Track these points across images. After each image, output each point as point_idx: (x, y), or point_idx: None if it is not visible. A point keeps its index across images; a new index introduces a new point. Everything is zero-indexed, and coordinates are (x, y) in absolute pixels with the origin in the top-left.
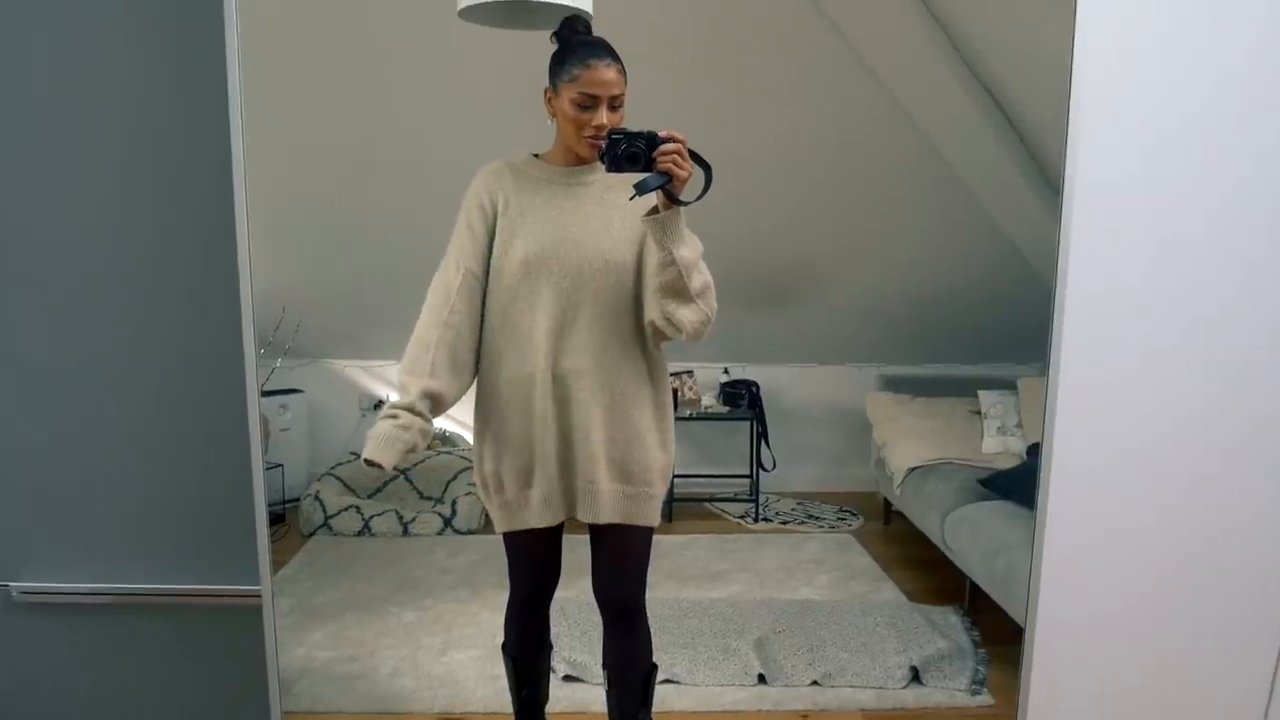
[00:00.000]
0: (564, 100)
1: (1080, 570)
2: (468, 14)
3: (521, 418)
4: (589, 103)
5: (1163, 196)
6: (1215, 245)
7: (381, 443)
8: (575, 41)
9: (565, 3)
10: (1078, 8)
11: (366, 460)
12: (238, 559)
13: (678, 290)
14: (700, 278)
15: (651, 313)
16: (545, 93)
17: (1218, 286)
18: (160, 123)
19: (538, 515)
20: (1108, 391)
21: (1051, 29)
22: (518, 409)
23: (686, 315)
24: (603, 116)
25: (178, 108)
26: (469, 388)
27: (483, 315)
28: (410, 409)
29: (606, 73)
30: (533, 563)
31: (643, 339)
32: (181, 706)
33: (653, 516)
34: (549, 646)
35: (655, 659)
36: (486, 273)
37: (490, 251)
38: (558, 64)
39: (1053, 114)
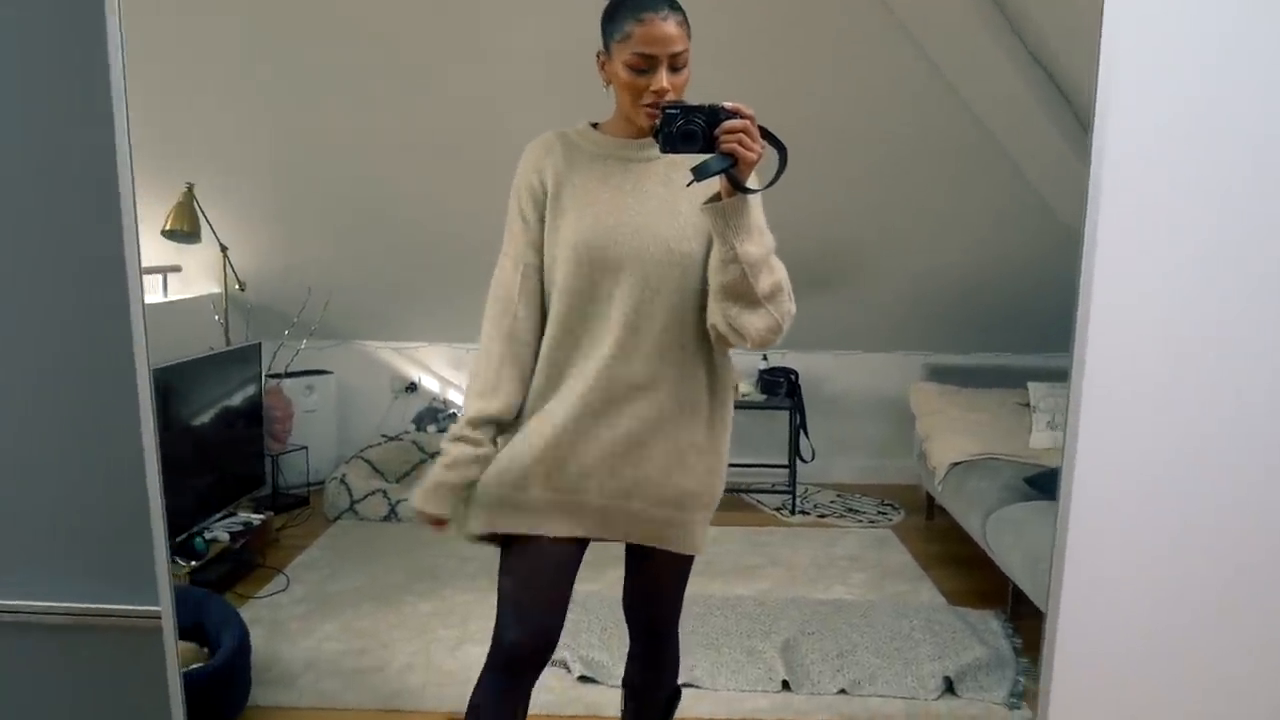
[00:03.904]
0: (617, 63)
1: (1107, 575)
2: None
3: (559, 417)
4: (645, 64)
5: (1197, 183)
6: (1257, 233)
7: (430, 491)
8: None
9: None
10: None
11: (417, 512)
12: (142, 577)
13: (741, 292)
14: (770, 278)
15: (713, 316)
16: (598, 56)
17: (1258, 278)
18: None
19: (553, 521)
20: (1137, 388)
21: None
22: (558, 407)
23: (752, 321)
24: (663, 79)
25: (61, 105)
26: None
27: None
28: (463, 439)
29: (664, 26)
30: (535, 592)
31: (709, 345)
32: None
33: (693, 544)
34: None
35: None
36: (544, 260)
37: (543, 239)
38: (608, 20)
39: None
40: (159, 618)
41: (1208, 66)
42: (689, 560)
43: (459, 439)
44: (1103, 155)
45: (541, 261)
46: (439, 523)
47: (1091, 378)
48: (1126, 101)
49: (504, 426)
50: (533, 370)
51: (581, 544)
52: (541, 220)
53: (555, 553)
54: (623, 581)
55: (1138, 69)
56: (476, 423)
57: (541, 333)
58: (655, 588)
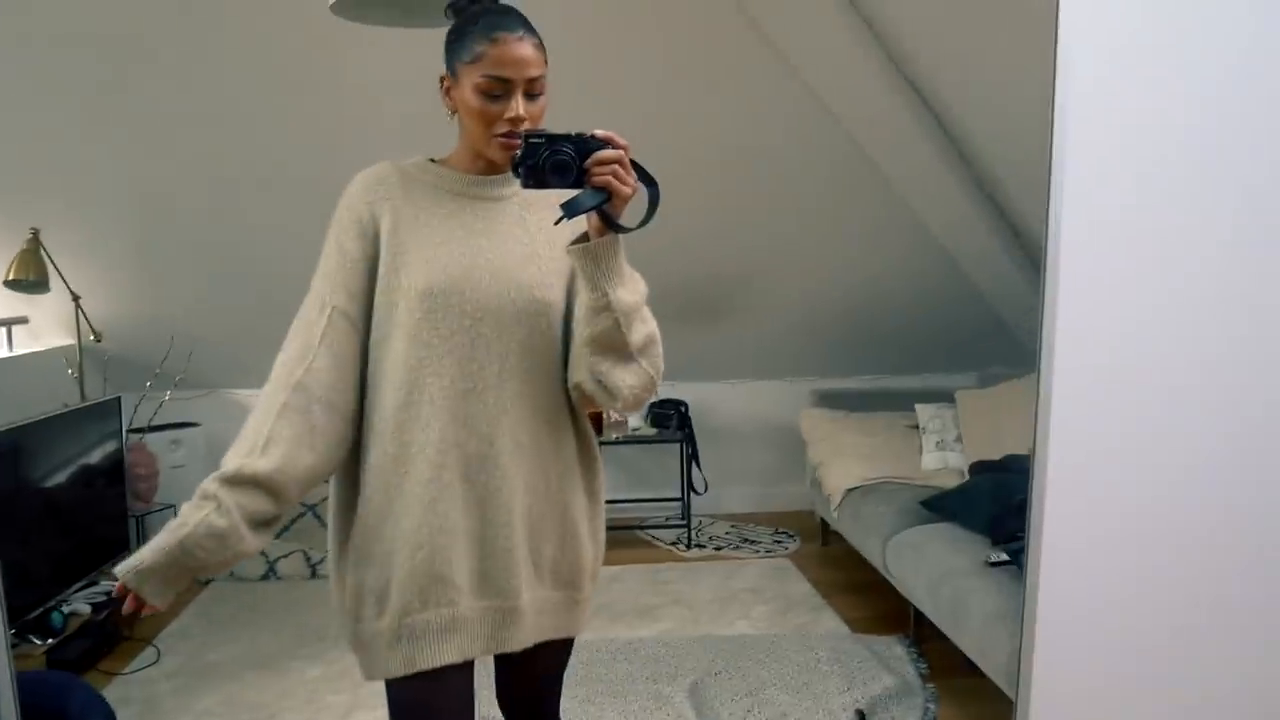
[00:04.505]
0: (465, 88)
1: (1074, 632)
2: (341, 9)
3: (413, 511)
4: (498, 89)
5: (1154, 194)
6: (1219, 247)
7: (152, 568)
8: (476, 11)
9: None
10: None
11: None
12: None
13: (613, 344)
14: (643, 328)
15: (578, 373)
16: (442, 80)
17: (1223, 294)
18: None
19: (445, 648)
20: (1101, 414)
21: (970, 15)
22: (408, 499)
23: (624, 378)
24: (518, 106)
25: None
26: (330, 467)
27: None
28: (210, 498)
29: (520, 48)
30: None
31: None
32: None
33: (580, 625)
34: None
35: (582, 709)
36: (365, 310)
37: (371, 282)
38: (456, 39)
39: (978, 103)
40: None
41: (1159, 73)
42: (571, 642)
43: (205, 497)
44: (1063, 165)
45: (357, 309)
46: (140, 605)
47: (1056, 397)
48: (1081, 114)
49: (267, 493)
50: (326, 434)
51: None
52: (367, 260)
53: (450, 678)
54: (495, 675)
55: (1092, 78)
56: (234, 480)
57: (354, 392)
58: (539, 684)
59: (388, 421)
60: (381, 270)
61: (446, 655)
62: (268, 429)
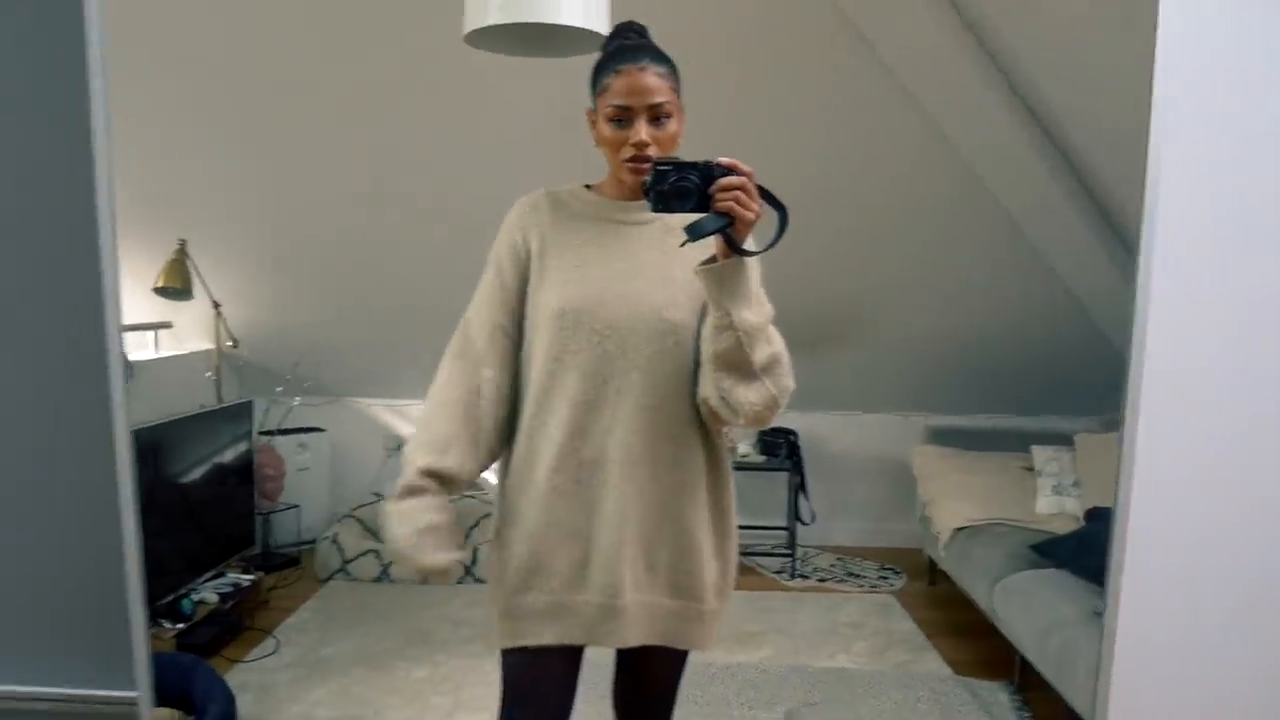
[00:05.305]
0: (599, 117)
1: (1159, 667)
2: (475, 39)
3: (534, 507)
4: (623, 116)
5: (1250, 241)
6: None
7: (408, 556)
8: (613, 47)
9: (579, 25)
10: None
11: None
12: (120, 658)
13: (736, 362)
14: (767, 349)
15: (705, 389)
16: (588, 115)
17: None
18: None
19: (545, 630)
20: (1192, 455)
21: (1095, 38)
22: (531, 496)
23: (746, 395)
24: (641, 132)
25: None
26: (488, 466)
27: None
28: (417, 490)
29: (641, 77)
30: (540, 696)
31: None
32: None
33: (703, 639)
34: None
35: None
36: (520, 326)
37: (523, 301)
38: (592, 76)
39: (1105, 136)
40: (135, 704)
41: (1264, 107)
42: (685, 655)
43: (413, 491)
44: (1154, 220)
45: (514, 325)
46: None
47: (1143, 449)
48: (1175, 167)
49: (443, 485)
50: (492, 439)
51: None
52: (521, 281)
53: (554, 657)
54: (614, 674)
55: (1186, 137)
56: (430, 473)
57: (506, 405)
58: (652, 686)
59: (524, 427)
60: (529, 291)
61: (545, 637)
62: (449, 432)
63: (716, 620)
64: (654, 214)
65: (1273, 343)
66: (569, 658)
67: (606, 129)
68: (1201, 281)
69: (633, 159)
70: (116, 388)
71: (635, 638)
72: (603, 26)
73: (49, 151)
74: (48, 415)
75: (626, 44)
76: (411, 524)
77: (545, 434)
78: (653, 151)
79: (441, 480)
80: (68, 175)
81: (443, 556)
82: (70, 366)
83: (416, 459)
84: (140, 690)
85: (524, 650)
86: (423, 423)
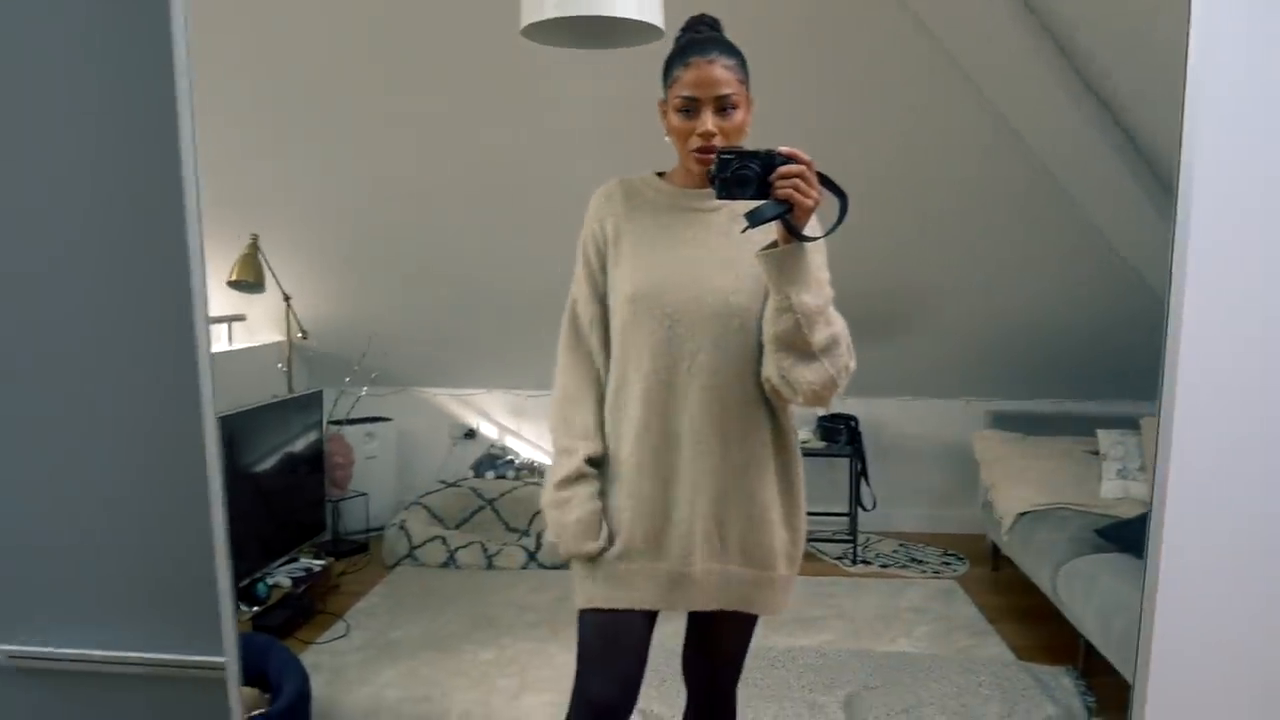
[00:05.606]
0: (669, 108)
1: (1200, 640)
2: (531, 33)
3: (616, 479)
4: (691, 106)
5: None
6: None
7: (579, 542)
8: (684, 40)
9: (636, 17)
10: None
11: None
12: (205, 626)
13: (795, 343)
14: (826, 330)
15: (768, 368)
16: (659, 105)
17: None
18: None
19: (619, 595)
20: (1232, 435)
21: (1167, 27)
22: (615, 469)
23: (804, 375)
24: (707, 122)
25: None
26: None
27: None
28: (585, 477)
29: (709, 70)
30: (620, 654)
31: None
32: None
33: (774, 604)
34: None
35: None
36: (607, 310)
37: (607, 287)
38: (665, 68)
39: (1170, 123)
40: (223, 669)
41: None
42: (755, 620)
43: (580, 477)
44: (1189, 205)
45: (604, 311)
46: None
47: (1180, 427)
48: (1212, 150)
49: (594, 466)
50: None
51: None
52: (604, 270)
53: (639, 618)
54: (684, 635)
55: (1221, 119)
56: (590, 460)
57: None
58: (721, 651)
59: (609, 404)
60: (609, 276)
61: (619, 601)
62: (591, 419)
63: (789, 586)
64: (720, 201)
65: None
66: (643, 624)
67: (675, 119)
68: (1237, 258)
69: (700, 149)
70: (205, 383)
71: (708, 602)
72: (657, 19)
73: (140, 153)
74: (142, 407)
75: (697, 37)
76: (579, 510)
77: (625, 413)
78: (719, 141)
79: (595, 465)
80: (158, 176)
81: (602, 542)
82: (160, 359)
83: (578, 448)
84: (227, 656)
85: (599, 612)
86: (561, 414)
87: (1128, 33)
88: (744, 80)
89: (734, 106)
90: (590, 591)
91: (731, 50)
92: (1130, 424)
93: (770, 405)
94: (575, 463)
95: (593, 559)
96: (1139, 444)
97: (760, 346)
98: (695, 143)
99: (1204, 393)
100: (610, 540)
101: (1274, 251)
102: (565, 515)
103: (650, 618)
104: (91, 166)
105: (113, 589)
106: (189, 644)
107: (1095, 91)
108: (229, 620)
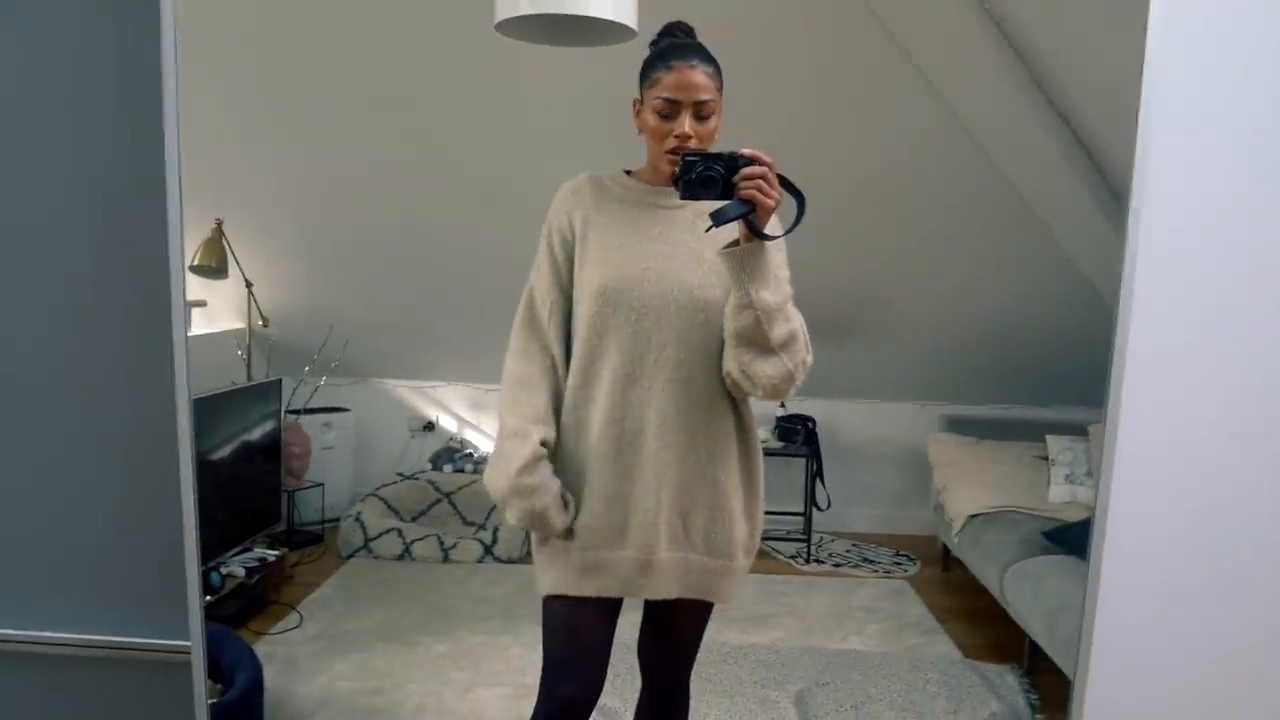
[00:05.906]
0: (646, 109)
1: (1139, 638)
2: (505, 28)
3: (579, 471)
4: (670, 110)
5: (1244, 221)
6: None
7: (553, 519)
8: (665, 44)
9: (610, 18)
10: (1149, 26)
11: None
12: (168, 610)
13: (754, 338)
14: (785, 326)
15: (728, 362)
16: (633, 104)
17: None
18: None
19: (585, 583)
20: (1175, 442)
21: (1124, 46)
22: (577, 462)
23: (763, 369)
24: (685, 125)
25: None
26: None
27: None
28: (541, 461)
29: (690, 74)
30: (585, 648)
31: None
32: None
33: (730, 593)
34: None
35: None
36: (570, 301)
37: (571, 280)
38: (644, 69)
39: (1127, 130)
40: (188, 653)
41: (1244, 119)
42: (711, 608)
43: (539, 461)
44: (1139, 212)
45: (567, 304)
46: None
47: (1125, 434)
48: (1164, 162)
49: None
50: (556, 407)
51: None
52: (568, 261)
53: (604, 607)
54: (640, 624)
55: (1177, 128)
56: (545, 443)
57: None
58: (677, 638)
59: (572, 397)
60: (575, 270)
61: (585, 589)
62: (543, 404)
63: (743, 575)
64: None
65: (1248, 337)
66: (606, 611)
67: (652, 119)
68: (1187, 264)
69: (674, 150)
70: (181, 368)
71: (668, 590)
72: (631, 20)
73: (123, 135)
74: (110, 390)
75: (678, 42)
76: (550, 491)
77: (590, 405)
78: (693, 144)
79: (547, 447)
80: (136, 162)
81: (569, 516)
82: (129, 343)
83: (531, 432)
84: (193, 640)
85: (565, 601)
86: (513, 397)
87: (1087, 50)
88: (719, 88)
89: (710, 113)
90: (554, 578)
91: (710, 58)
92: (1079, 431)
93: (733, 398)
94: (532, 446)
95: (557, 546)
96: (1087, 450)
97: (723, 341)
98: (671, 143)
99: (1149, 403)
100: (575, 516)
101: (1219, 269)
102: (536, 502)
103: (614, 607)
104: (73, 152)
105: (76, 572)
106: (152, 627)
107: (1055, 106)
108: (196, 604)
